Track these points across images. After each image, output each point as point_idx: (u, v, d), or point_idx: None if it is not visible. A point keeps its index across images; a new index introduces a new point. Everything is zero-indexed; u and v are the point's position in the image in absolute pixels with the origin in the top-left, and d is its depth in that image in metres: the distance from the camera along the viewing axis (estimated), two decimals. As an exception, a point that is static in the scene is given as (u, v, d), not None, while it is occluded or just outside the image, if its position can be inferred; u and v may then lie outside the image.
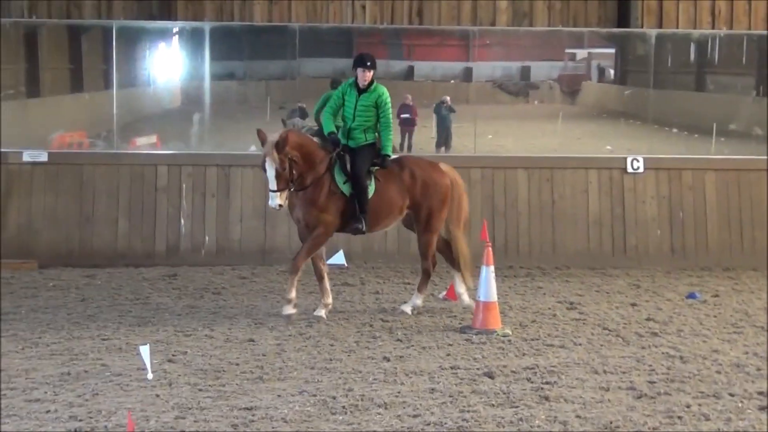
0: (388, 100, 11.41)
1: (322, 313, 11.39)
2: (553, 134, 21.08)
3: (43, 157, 14.94)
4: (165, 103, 18.03)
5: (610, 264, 15.07)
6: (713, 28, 16.72)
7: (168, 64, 16.75)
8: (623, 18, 16.43)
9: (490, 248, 11.04)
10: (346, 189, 11.30)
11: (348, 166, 11.34)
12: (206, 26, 15.94)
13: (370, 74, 11.35)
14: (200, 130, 16.33)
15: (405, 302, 12.00)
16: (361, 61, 11.39)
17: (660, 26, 16.53)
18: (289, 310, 11.20)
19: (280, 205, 10.91)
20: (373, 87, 11.42)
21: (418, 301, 11.91)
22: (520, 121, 23.03)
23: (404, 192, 11.62)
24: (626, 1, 16.55)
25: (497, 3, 16.64)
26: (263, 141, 10.87)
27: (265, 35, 16.22)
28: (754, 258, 15.24)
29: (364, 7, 16.35)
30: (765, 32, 16.67)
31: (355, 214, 11.35)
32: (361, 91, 11.42)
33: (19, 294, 12.60)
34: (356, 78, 11.44)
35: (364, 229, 11.47)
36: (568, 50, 22.79)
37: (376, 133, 11.55)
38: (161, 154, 15.58)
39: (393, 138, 11.60)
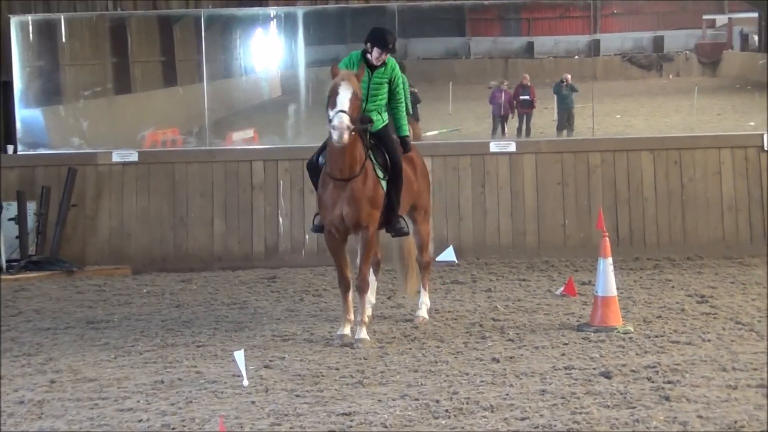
0: (400, 72, 10.95)
1: (345, 330, 10.81)
2: (689, 111, 20.99)
3: (134, 156, 15.60)
4: (261, 94, 18.57)
5: (748, 252, 15.07)
6: None
7: (262, 52, 17.25)
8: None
9: (607, 238, 11.19)
10: (384, 183, 10.75)
11: (385, 155, 10.80)
12: (299, 11, 16.41)
13: (386, 57, 10.76)
14: (297, 121, 16.81)
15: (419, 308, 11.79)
16: (382, 41, 10.68)
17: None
18: (346, 330, 10.81)
19: (348, 131, 10.06)
20: (386, 60, 10.81)
21: (428, 299, 11.85)
22: (652, 97, 22.95)
23: (414, 179, 11.29)
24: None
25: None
26: (337, 74, 10.37)
27: (363, 17, 16.61)
28: None
29: (469, -19, 16.61)
30: None
31: (392, 211, 10.85)
32: (373, 68, 10.78)
33: (112, 302, 13.23)
34: (364, 53, 10.78)
35: (407, 230, 11.21)
36: (706, 16, 22.60)
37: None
38: (256, 149, 16.12)
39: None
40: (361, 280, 10.90)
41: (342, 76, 10.32)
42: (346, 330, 10.82)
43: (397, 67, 10.96)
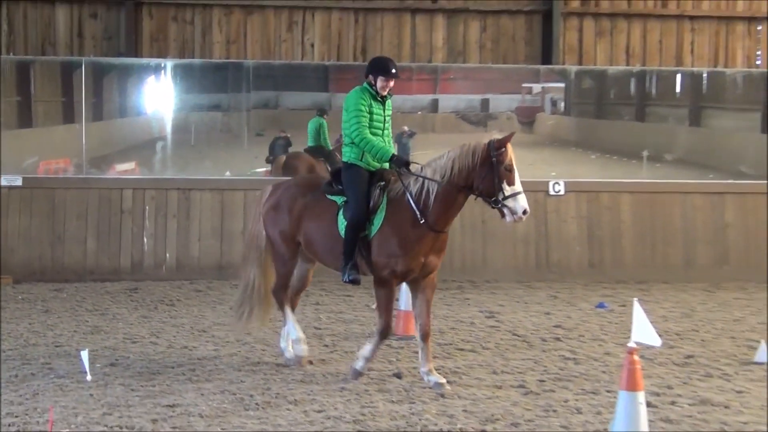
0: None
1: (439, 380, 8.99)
2: (507, 161, 21.37)
3: (18, 181, 15.17)
4: (137, 133, 18.25)
5: (535, 278, 15.38)
6: (627, 64, 17.14)
7: (136, 97, 16.98)
8: (546, 56, 16.86)
9: (410, 262, 11.26)
10: None
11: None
12: (169, 63, 16.23)
13: (392, 84, 9.07)
14: (163, 157, 16.59)
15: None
16: (385, 68, 8.98)
17: (580, 63, 16.96)
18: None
19: None
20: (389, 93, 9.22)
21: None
22: (481, 149, 23.33)
23: None
24: (549, 41, 16.99)
25: (434, 42, 17.01)
26: (502, 145, 8.61)
27: (223, 71, 16.53)
28: (666, 272, 15.64)
29: (312, 45, 16.65)
30: (692, 69, 17.07)
31: None
32: (384, 99, 9.15)
33: (-13, 306, 12.81)
34: (371, 85, 9.06)
35: None
36: (524, 84, 23.14)
37: None
38: (127, 179, 15.81)
39: None
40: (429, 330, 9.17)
41: (510, 148, 8.63)
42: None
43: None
